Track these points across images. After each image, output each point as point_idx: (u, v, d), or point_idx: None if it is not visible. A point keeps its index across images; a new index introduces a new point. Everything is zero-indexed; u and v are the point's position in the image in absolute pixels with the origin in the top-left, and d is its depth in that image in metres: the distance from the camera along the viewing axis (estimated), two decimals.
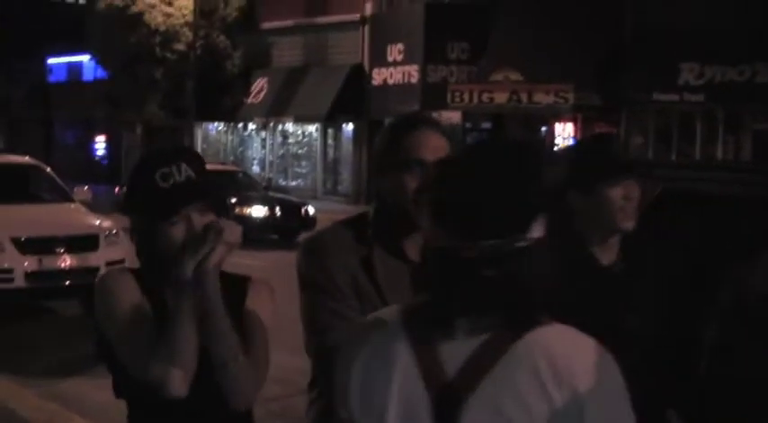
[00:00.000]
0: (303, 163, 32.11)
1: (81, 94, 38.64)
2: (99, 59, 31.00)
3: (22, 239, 10.40)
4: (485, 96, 22.91)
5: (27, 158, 13.21)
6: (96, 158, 40.97)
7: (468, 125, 25.27)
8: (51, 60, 42.66)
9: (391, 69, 26.70)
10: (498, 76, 22.83)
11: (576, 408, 1.61)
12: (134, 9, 28.16)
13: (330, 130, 30.85)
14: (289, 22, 30.65)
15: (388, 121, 2.67)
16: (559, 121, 23.48)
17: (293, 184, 31.42)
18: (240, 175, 22.48)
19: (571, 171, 2.75)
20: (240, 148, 34.81)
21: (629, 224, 2.73)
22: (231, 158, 33.08)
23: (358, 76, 28.42)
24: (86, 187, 12.91)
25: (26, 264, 10.28)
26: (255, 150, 34.20)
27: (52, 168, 12.97)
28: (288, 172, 32.46)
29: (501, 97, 22.64)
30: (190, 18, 27.53)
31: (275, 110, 30.25)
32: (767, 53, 18.89)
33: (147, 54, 28.02)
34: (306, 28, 30.54)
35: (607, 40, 21.15)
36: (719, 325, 2.74)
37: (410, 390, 1.70)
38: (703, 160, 18.38)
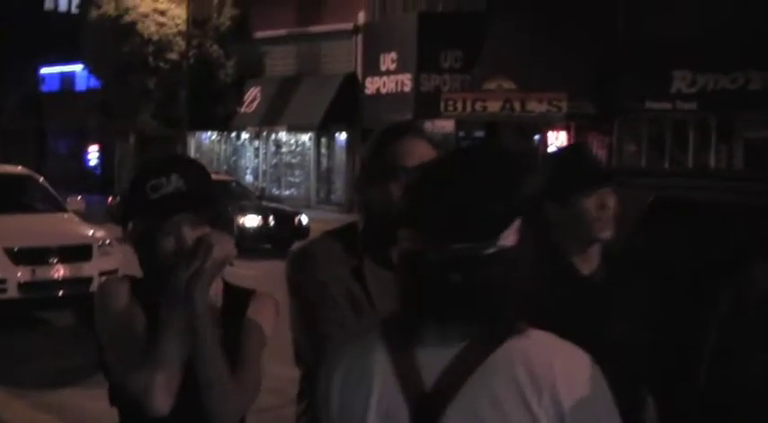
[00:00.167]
0: (296, 172, 32.08)
1: (74, 103, 38.63)
2: (92, 69, 31.00)
3: (15, 250, 10.37)
4: (478, 105, 22.90)
5: (20, 168, 13.16)
6: (89, 168, 40.90)
7: (461, 134, 25.26)
8: (44, 70, 42.59)
9: (384, 78, 26.68)
10: (491, 85, 22.83)
11: (557, 415, 1.60)
12: (127, 19, 28.14)
13: (323, 140, 30.83)
14: (282, 32, 30.65)
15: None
16: (553, 129, 23.48)
17: (286, 193, 31.39)
18: (233, 184, 22.47)
19: (546, 184, 2.75)
20: (233, 158, 34.77)
21: (607, 234, 2.73)
22: (224, 168, 33.03)
23: (351, 85, 28.41)
24: (79, 197, 12.88)
25: (19, 274, 10.25)
26: (249, 160, 34.16)
27: (45, 178, 12.95)
28: (281, 181, 32.43)
29: (494, 106, 22.63)
30: (183, 27, 27.50)
31: (268, 119, 30.23)
32: (760, 61, 18.91)
33: (140, 63, 27.99)
34: (299, 37, 30.54)
35: (600, 49, 21.17)
36: (719, 330, 2.75)
37: (389, 399, 1.69)
38: (696, 168, 18.39)
